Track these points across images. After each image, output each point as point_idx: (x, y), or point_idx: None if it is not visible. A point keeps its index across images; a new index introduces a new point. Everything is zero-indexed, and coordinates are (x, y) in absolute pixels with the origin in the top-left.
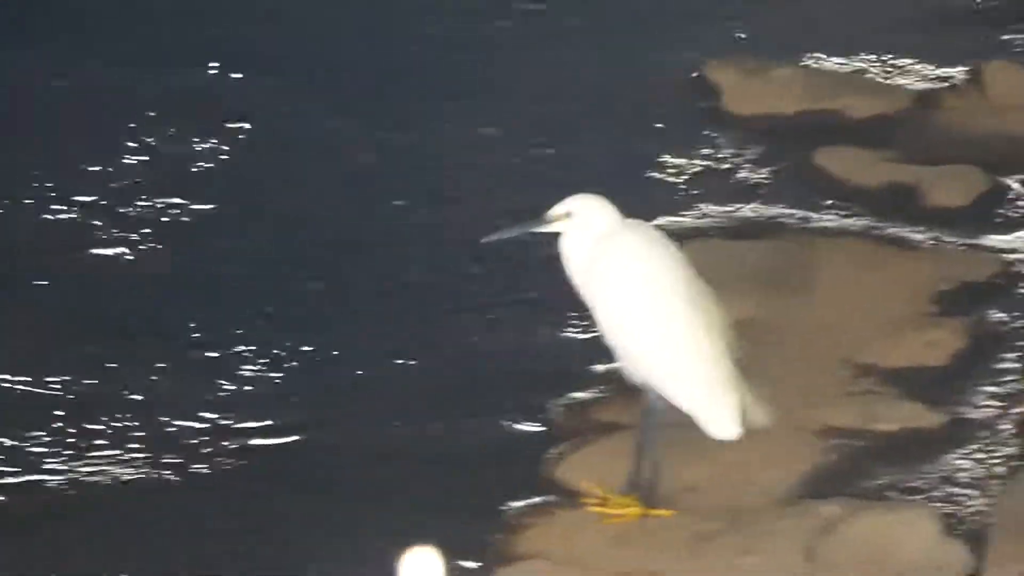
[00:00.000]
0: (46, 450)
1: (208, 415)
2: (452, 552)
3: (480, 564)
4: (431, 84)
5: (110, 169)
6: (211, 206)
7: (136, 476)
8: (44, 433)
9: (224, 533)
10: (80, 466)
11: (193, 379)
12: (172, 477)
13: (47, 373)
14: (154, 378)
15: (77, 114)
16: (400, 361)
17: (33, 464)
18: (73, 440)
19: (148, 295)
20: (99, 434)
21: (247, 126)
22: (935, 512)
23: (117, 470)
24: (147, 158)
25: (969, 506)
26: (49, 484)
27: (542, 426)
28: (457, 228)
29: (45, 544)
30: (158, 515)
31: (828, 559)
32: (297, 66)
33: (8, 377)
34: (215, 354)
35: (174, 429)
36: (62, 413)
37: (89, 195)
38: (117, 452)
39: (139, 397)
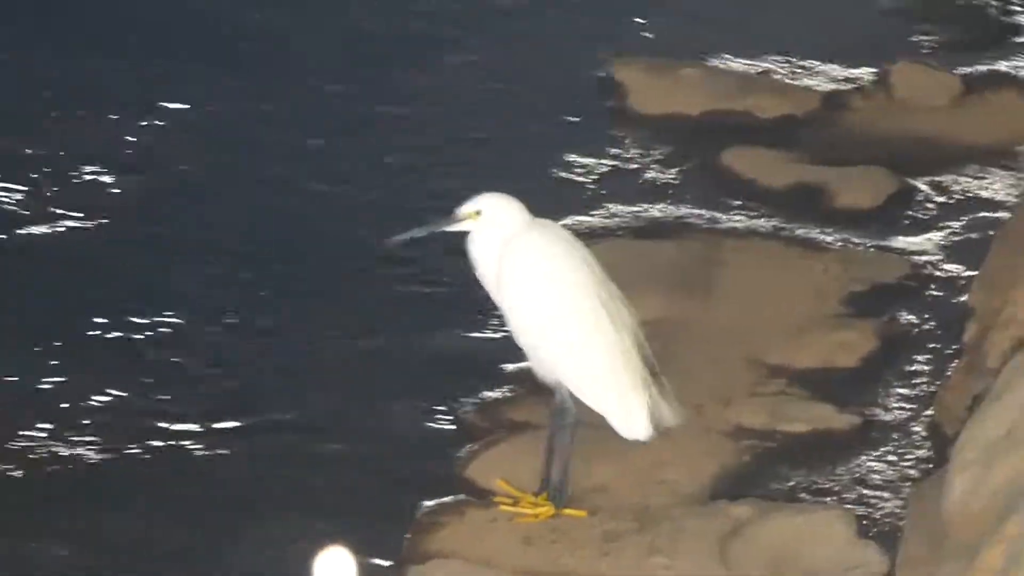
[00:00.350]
0: None
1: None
2: (364, 550)
3: (392, 563)
4: (332, 79)
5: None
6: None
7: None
8: None
9: (129, 535)
10: None
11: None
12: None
13: None
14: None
15: None
16: (308, 359)
17: None
18: None
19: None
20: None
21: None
22: (847, 514)
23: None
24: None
25: (881, 508)
26: None
27: (454, 425)
28: (363, 225)
29: None
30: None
31: (739, 560)
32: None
33: None
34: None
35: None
36: None
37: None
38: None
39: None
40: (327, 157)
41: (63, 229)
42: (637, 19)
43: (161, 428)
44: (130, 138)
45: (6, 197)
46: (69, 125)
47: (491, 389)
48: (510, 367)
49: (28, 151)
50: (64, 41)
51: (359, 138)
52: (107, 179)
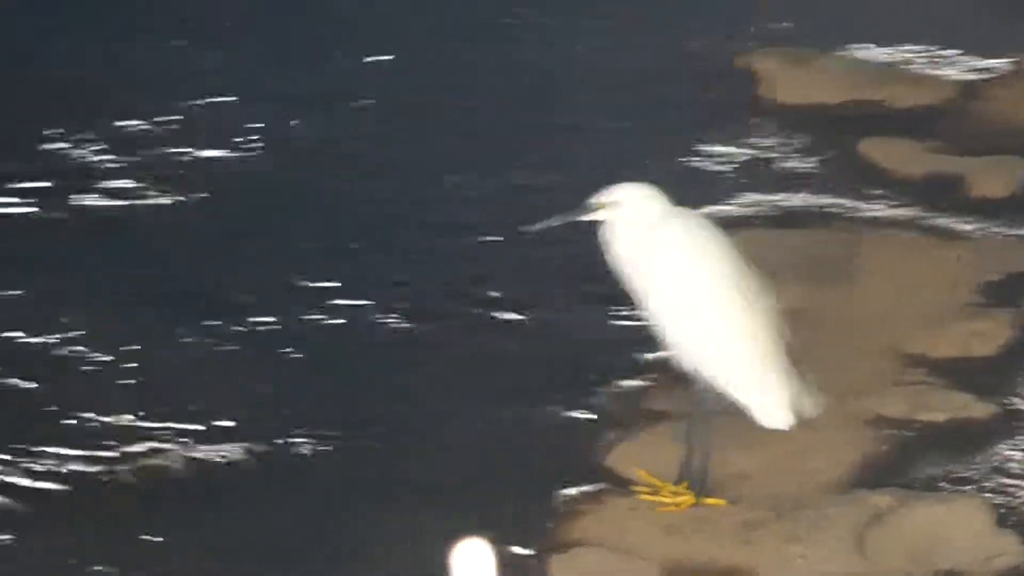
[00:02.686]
0: None
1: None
2: (505, 539)
3: (533, 551)
4: (475, 72)
5: None
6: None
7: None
8: None
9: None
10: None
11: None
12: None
13: None
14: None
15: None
16: (449, 349)
17: None
18: None
19: None
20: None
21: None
22: (986, 503)
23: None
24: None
25: (1020, 497)
26: None
27: (593, 414)
28: (498, 213)
29: None
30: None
31: (878, 549)
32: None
33: None
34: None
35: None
36: None
37: None
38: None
39: None
40: (454, 141)
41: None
42: (775, 9)
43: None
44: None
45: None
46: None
47: (631, 378)
48: (650, 356)
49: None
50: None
51: (489, 122)
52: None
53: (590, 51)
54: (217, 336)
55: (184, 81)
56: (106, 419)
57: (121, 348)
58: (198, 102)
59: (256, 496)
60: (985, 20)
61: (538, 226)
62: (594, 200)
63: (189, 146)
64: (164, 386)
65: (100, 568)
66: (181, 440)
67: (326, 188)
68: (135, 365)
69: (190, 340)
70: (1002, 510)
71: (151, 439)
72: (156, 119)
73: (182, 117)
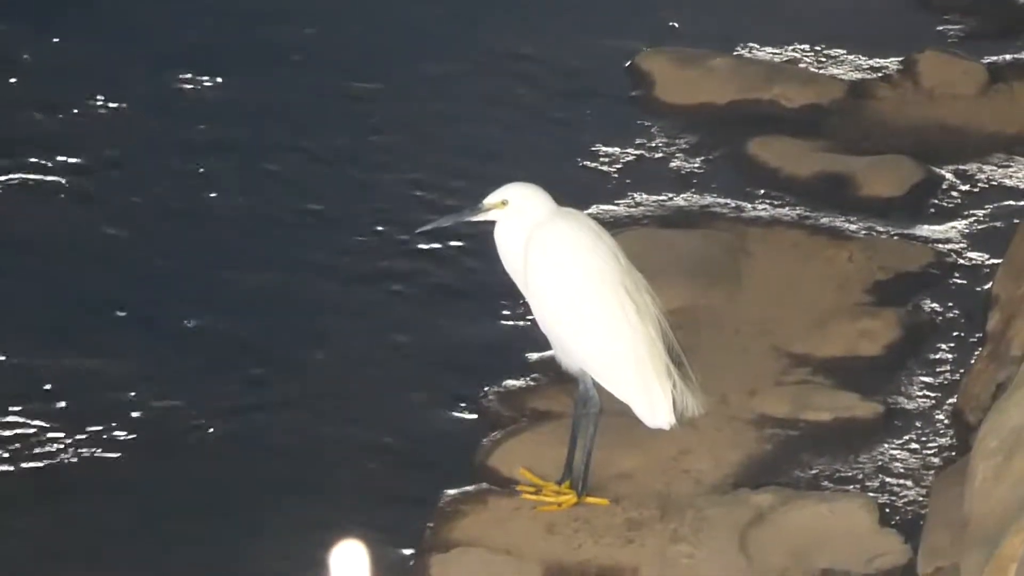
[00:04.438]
0: None
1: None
2: (386, 539)
3: (414, 551)
4: (354, 71)
5: None
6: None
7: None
8: None
9: (143, 523)
10: None
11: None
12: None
13: None
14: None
15: None
16: (333, 348)
17: None
18: None
19: None
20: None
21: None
22: (870, 502)
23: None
24: None
25: (903, 496)
26: None
27: (476, 414)
28: (386, 214)
29: None
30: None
31: (761, 548)
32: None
33: None
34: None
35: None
36: None
37: None
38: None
39: None
40: (352, 147)
41: None
42: (663, 9)
43: (178, 414)
44: None
45: None
46: None
47: (514, 377)
48: (534, 356)
49: None
50: None
51: (385, 129)
52: None
53: (478, 51)
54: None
55: None
56: None
57: None
58: None
59: (131, 488)
60: (871, 19)
61: (430, 226)
62: (484, 200)
63: None
64: None
65: None
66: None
67: None
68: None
69: None
70: (886, 509)
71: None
72: None
73: None
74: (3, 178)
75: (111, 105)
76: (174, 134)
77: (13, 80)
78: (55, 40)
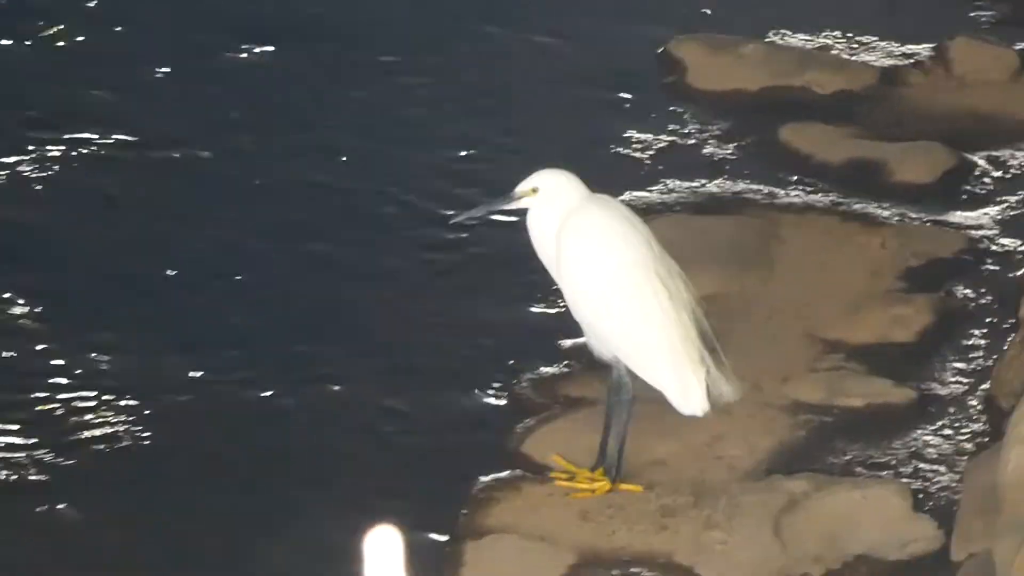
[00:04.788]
0: None
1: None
2: (420, 526)
3: (448, 538)
4: (392, 51)
5: None
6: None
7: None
8: None
9: (176, 504)
10: None
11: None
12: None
13: None
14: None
15: None
16: (367, 334)
17: None
18: None
19: None
20: None
21: None
22: (903, 488)
23: None
24: None
25: (937, 482)
26: None
27: (509, 400)
28: (424, 203)
29: None
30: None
31: (794, 534)
32: None
33: None
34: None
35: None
36: None
37: None
38: None
39: None
40: (384, 136)
41: None
42: None
43: (212, 394)
44: None
45: None
46: None
47: (548, 364)
48: (567, 342)
49: None
50: None
51: (414, 114)
52: None
53: (510, 38)
54: None
55: None
56: None
57: None
58: None
59: (167, 469)
60: (903, 5)
61: (464, 215)
62: (517, 188)
63: None
64: None
65: None
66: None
67: None
68: None
69: None
70: (919, 495)
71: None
72: None
73: None
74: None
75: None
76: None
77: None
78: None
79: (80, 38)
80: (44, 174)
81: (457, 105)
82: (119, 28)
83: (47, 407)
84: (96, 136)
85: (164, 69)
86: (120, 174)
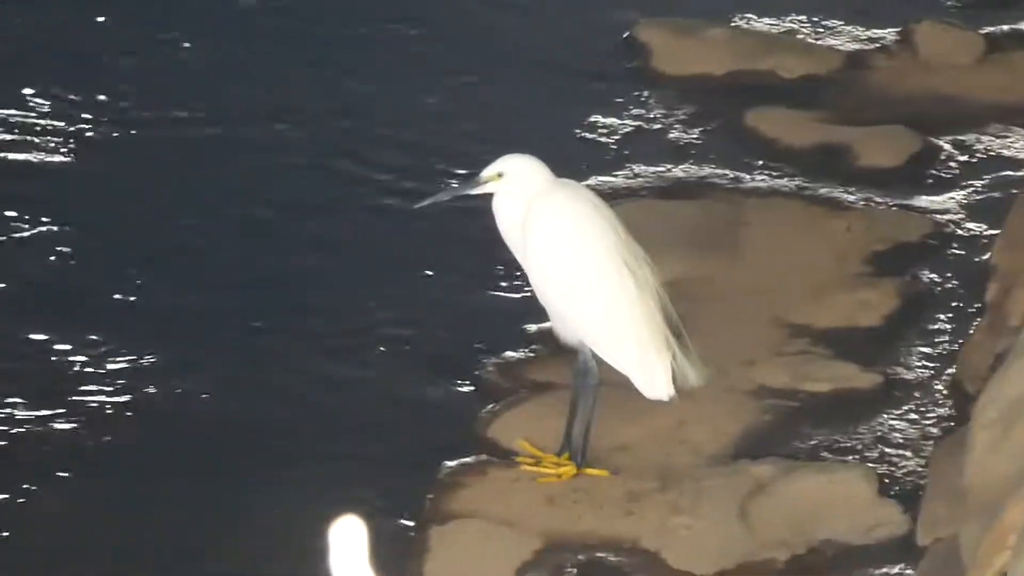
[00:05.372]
0: None
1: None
2: (386, 511)
3: (414, 523)
4: (363, 34)
5: None
6: None
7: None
8: None
9: (140, 490)
10: None
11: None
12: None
13: None
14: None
15: None
16: (330, 318)
17: None
18: None
19: None
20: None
21: None
22: (869, 472)
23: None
24: None
25: (902, 467)
26: None
27: (475, 385)
28: (386, 187)
29: None
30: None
31: (761, 519)
32: None
33: None
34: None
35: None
36: None
37: None
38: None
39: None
40: (347, 130)
41: None
42: None
43: (173, 381)
44: None
45: None
46: None
47: (514, 349)
48: (533, 327)
49: None
50: None
51: (380, 99)
52: None
53: (473, 22)
54: None
55: None
56: None
57: None
58: None
59: (132, 455)
60: None
61: (427, 200)
62: (482, 173)
63: None
64: None
65: None
66: None
67: None
68: None
69: None
70: (885, 480)
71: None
72: None
73: None
74: None
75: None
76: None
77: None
78: None
79: None
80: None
81: (416, 90)
82: None
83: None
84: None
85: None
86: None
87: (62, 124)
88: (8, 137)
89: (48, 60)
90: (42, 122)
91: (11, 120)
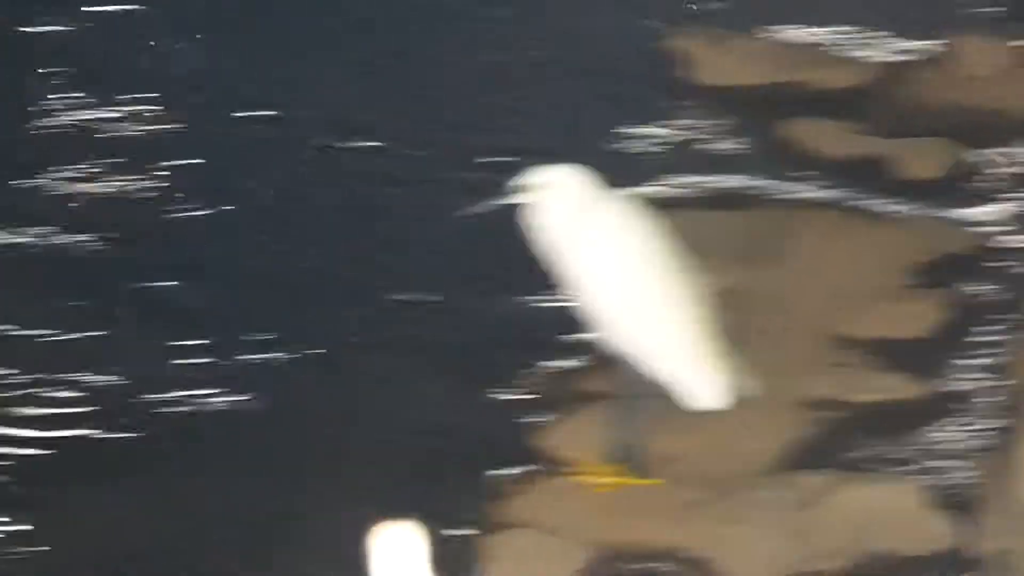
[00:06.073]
0: None
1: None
2: (438, 521)
3: (466, 533)
4: (391, 38)
5: None
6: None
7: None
8: None
9: (184, 502)
10: None
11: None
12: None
13: None
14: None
15: None
16: (382, 329)
17: None
18: None
19: None
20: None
21: None
22: (919, 484)
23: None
24: None
25: (952, 479)
26: None
27: (527, 394)
28: (425, 199)
29: None
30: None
31: (813, 529)
32: None
33: None
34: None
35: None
36: None
37: None
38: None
39: None
40: (377, 137)
41: None
42: None
43: (214, 394)
44: None
45: None
46: None
47: (565, 359)
48: (584, 337)
49: None
50: None
51: (414, 109)
52: None
53: (512, 32)
54: None
55: None
56: None
57: None
58: None
59: (177, 461)
60: (910, 1)
61: (472, 210)
62: (524, 183)
63: None
64: None
65: None
66: None
67: None
68: None
69: None
70: (935, 492)
71: None
72: None
73: None
74: None
75: None
76: None
77: None
78: None
79: None
80: None
81: (458, 98)
82: None
83: None
84: None
85: None
86: None
87: None
88: None
89: None
90: None
91: None
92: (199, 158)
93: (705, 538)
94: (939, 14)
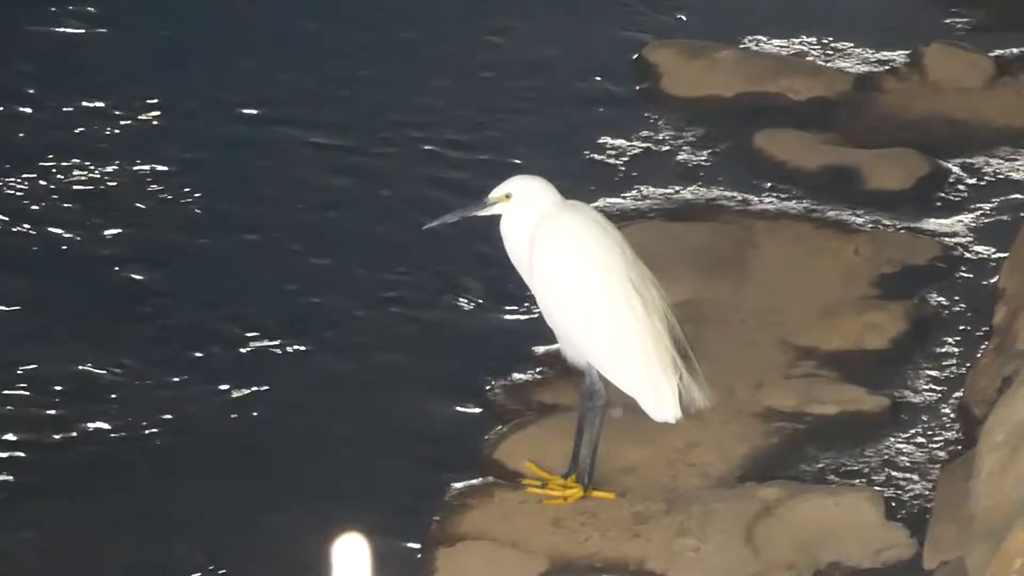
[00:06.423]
0: None
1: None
2: (392, 533)
3: (420, 545)
4: (369, 54)
5: None
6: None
7: None
8: None
9: (145, 514)
10: None
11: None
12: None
13: None
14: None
15: None
16: (335, 339)
17: None
18: None
19: None
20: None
21: None
22: (876, 496)
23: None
24: None
25: (909, 490)
26: None
27: (482, 407)
28: (395, 209)
29: None
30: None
31: (767, 541)
32: None
33: None
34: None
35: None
36: None
37: None
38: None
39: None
40: (353, 144)
41: None
42: (671, 1)
43: (179, 403)
44: None
45: None
46: None
47: (521, 371)
48: (540, 348)
49: None
50: None
51: (391, 119)
52: None
53: (484, 43)
54: None
55: None
56: None
57: None
58: None
59: (138, 480)
60: (879, 12)
61: (435, 223)
62: (490, 194)
63: None
64: None
65: None
66: None
67: None
68: None
69: None
70: (892, 503)
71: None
72: None
73: None
74: None
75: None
76: None
77: None
78: None
79: None
80: None
81: (428, 112)
82: None
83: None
84: None
85: None
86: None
87: None
88: None
89: None
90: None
91: None
92: (183, 154)
93: (659, 551)
94: (908, 25)
